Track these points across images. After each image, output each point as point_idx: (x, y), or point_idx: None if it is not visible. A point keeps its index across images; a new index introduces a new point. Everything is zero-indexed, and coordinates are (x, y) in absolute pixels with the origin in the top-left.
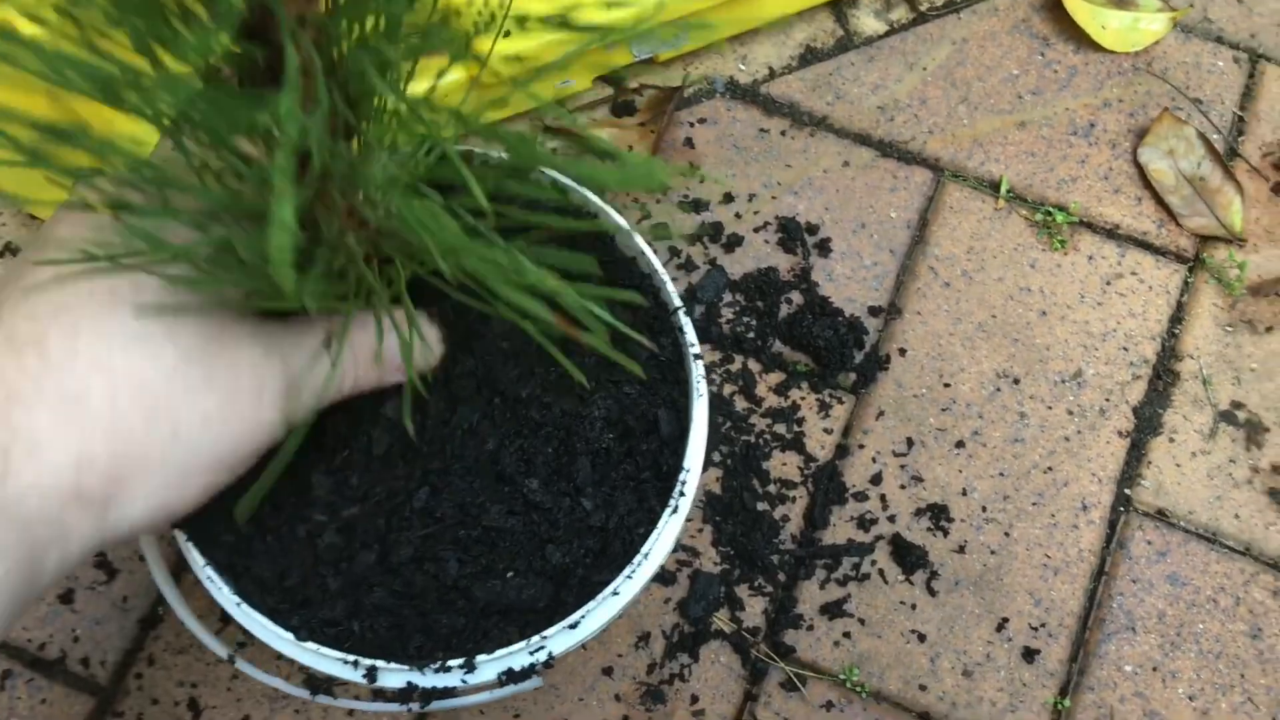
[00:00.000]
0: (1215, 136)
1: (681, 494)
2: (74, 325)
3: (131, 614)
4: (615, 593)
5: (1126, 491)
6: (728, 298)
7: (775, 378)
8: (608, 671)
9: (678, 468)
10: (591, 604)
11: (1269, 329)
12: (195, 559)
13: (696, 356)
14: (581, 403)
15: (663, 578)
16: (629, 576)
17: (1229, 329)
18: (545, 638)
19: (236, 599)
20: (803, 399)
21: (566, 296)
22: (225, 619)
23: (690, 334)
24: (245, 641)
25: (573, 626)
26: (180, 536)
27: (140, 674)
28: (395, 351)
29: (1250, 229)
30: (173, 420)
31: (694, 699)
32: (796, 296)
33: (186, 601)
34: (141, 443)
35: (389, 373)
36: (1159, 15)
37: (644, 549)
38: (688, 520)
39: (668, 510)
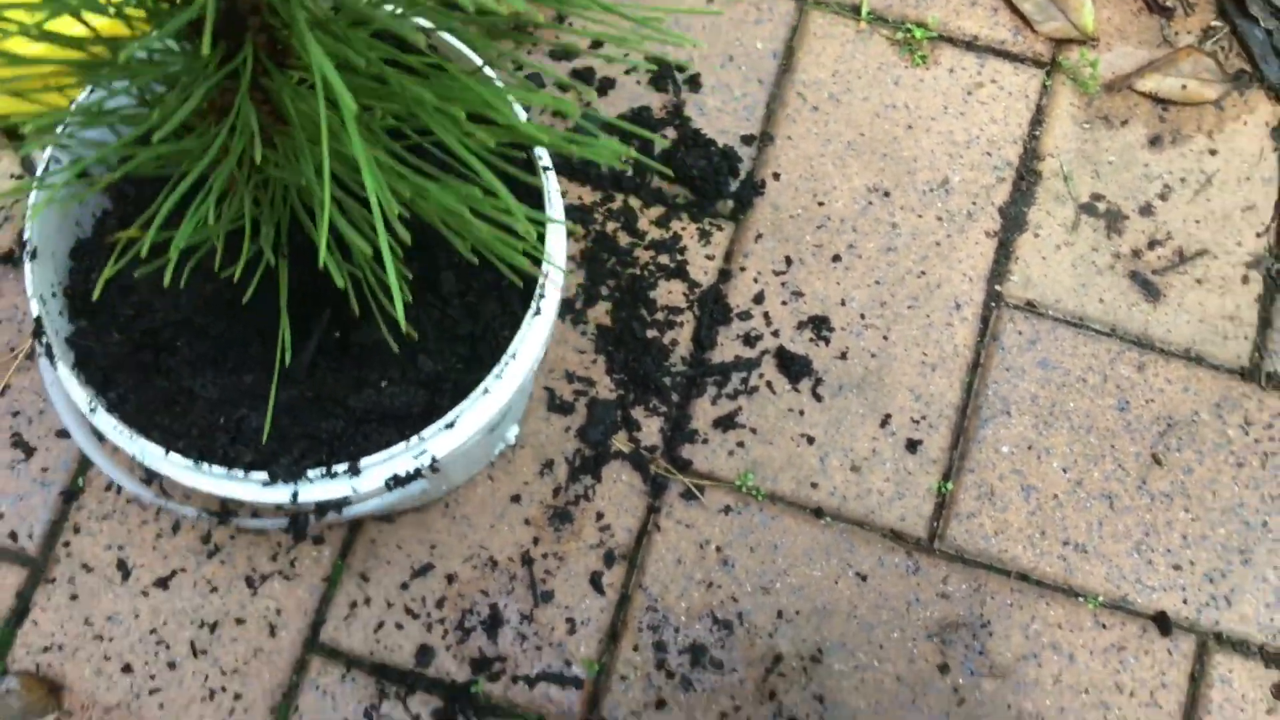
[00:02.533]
0: None
1: (543, 295)
2: None
3: (53, 487)
4: (486, 391)
5: (997, 288)
6: (604, 139)
7: (656, 211)
8: (515, 499)
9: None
10: (465, 403)
11: (1124, 122)
12: (103, 417)
13: (546, 169)
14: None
15: (561, 408)
16: (498, 376)
17: (1086, 126)
18: (424, 439)
19: (129, 429)
20: (683, 229)
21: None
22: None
23: (544, 159)
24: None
25: (449, 426)
26: (84, 389)
27: (68, 542)
28: None
29: (1103, 29)
30: None
31: (599, 515)
32: (670, 132)
33: (104, 456)
34: None
35: None
36: None
37: (510, 349)
38: (580, 352)
39: (530, 311)
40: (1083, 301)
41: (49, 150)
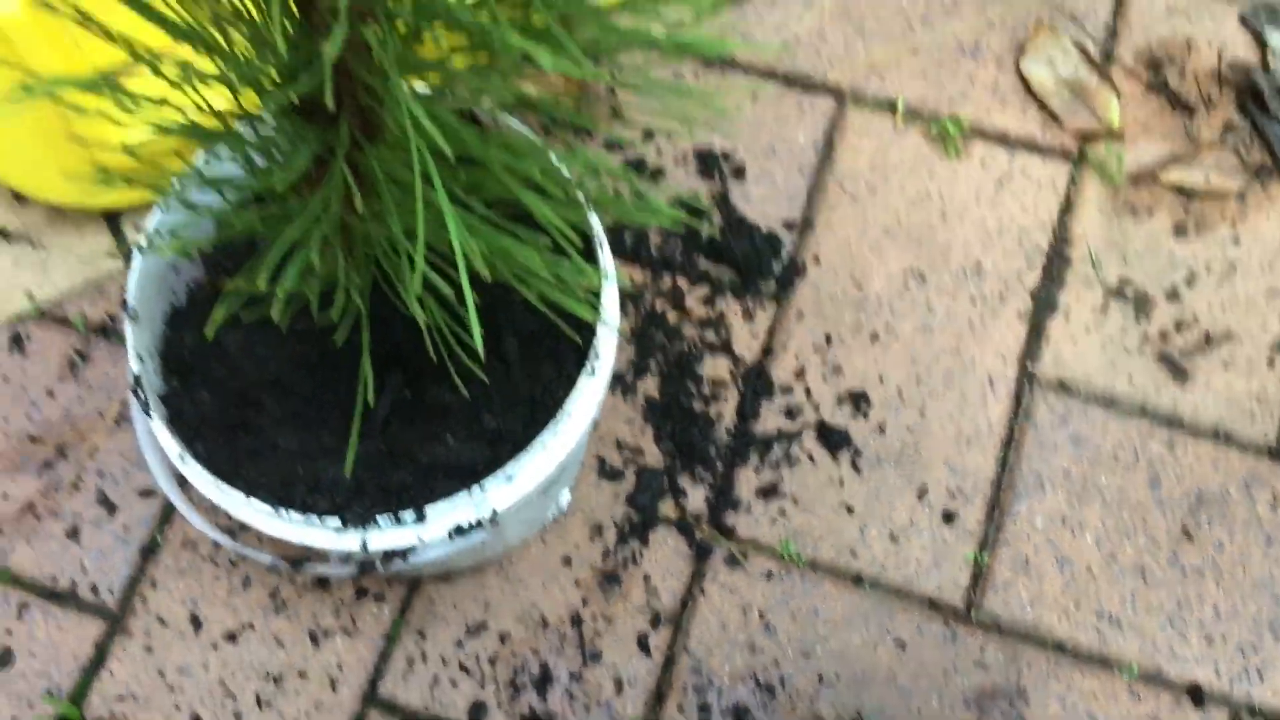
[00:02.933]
0: (1091, 45)
1: (596, 357)
2: None
3: (133, 544)
4: (544, 446)
5: (1029, 367)
6: (656, 201)
7: (702, 291)
8: (567, 561)
9: (592, 336)
10: (524, 457)
11: (1150, 212)
12: (191, 466)
13: (601, 243)
14: (506, 291)
15: (611, 474)
16: (554, 433)
17: (1113, 215)
18: (484, 489)
19: (214, 478)
20: (728, 308)
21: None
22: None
23: (598, 228)
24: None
25: (509, 479)
26: (172, 439)
27: (145, 596)
28: None
29: (1127, 124)
30: None
31: (647, 579)
32: (717, 217)
33: (188, 505)
34: None
35: None
36: None
37: (565, 408)
38: (629, 423)
39: (585, 373)
40: (1113, 381)
41: (154, 218)
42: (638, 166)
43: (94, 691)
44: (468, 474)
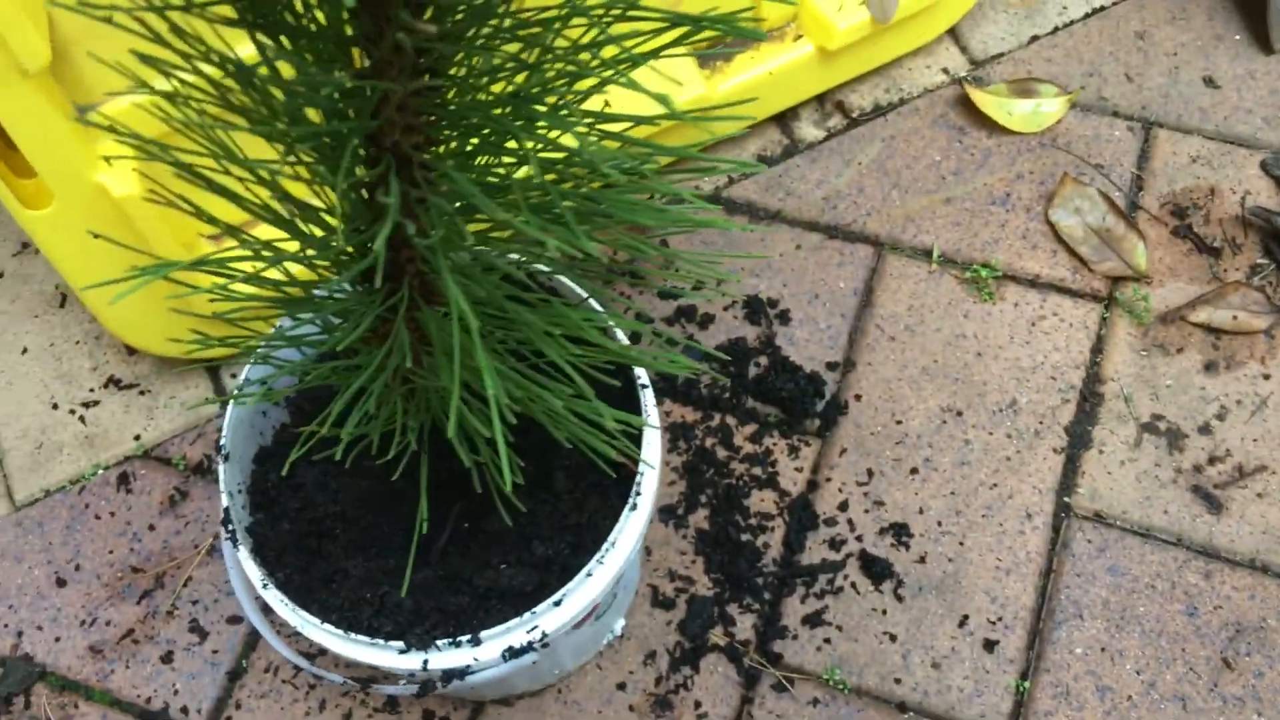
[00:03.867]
0: (1117, 194)
1: (638, 493)
2: None
3: (220, 667)
4: (589, 574)
5: (1065, 499)
6: (679, 356)
7: (749, 429)
8: (621, 686)
9: (634, 473)
10: (571, 584)
11: (1179, 350)
12: (272, 593)
13: (644, 386)
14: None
15: (663, 603)
16: (600, 561)
17: (1144, 353)
18: (535, 614)
19: (292, 604)
20: (774, 444)
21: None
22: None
23: (642, 374)
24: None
25: (557, 604)
26: (263, 581)
27: (229, 717)
28: None
29: (1155, 267)
30: None
31: (697, 704)
32: (763, 360)
33: (270, 630)
34: None
35: None
36: (1057, 99)
37: (610, 538)
38: (681, 554)
39: (627, 507)
40: (1148, 513)
41: (245, 371)
42: (689, 313)
43: None
44: (520, 598)
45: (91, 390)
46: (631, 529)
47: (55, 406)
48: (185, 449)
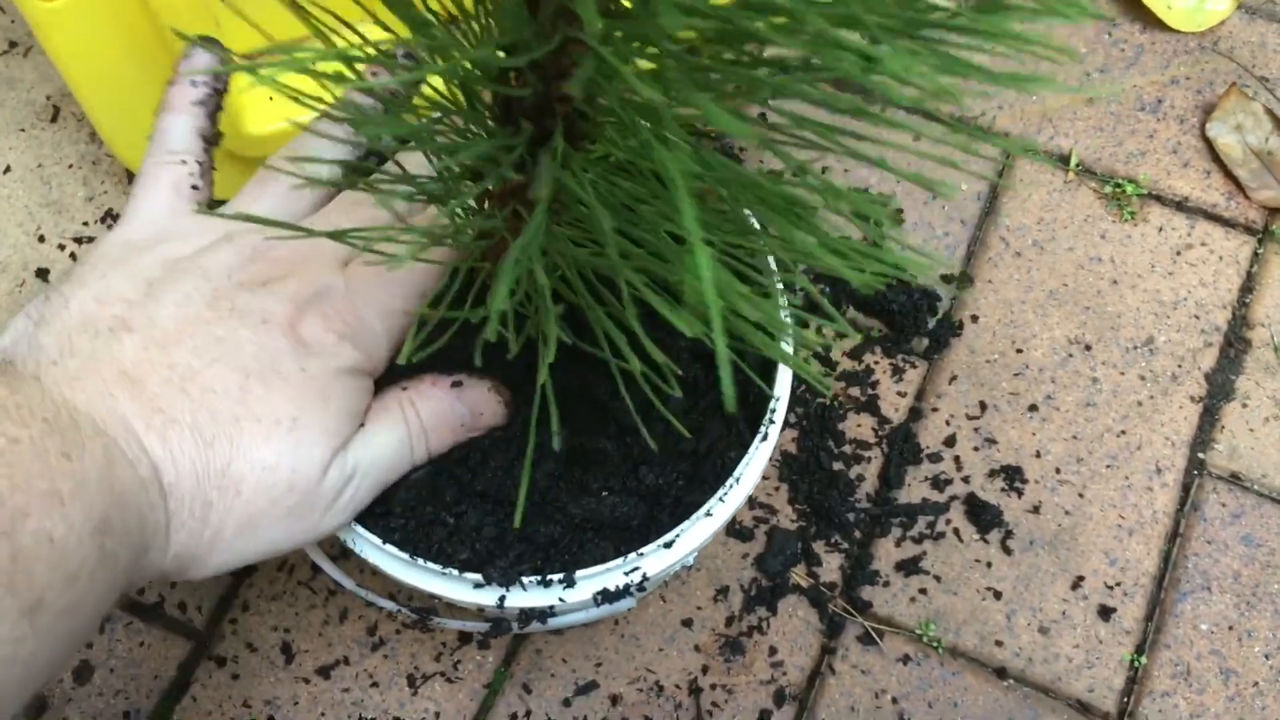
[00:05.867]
0: None
1: (771, 421)
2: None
3: None
4: (709, 513)
5: (1200, 455)
6: (803, 267)
7: (849, 343)
8: (687, 623)
9: (765, 396)
10: (686, 524)
11: None
12: None
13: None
14: (670, 336)
15: (740, 534)
16: (721, 499)
17: None
18: (642, 555)
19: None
20: (876, 363)
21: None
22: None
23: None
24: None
25: (667, 545)
26: None
27: (235, 619)
28: (465, 415)
29: None
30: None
31: (772, 650)
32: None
33: None
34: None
35: (463, 435)
36: None
37: (735, 473)
38: (764, 479)
39: (758, 437)
40: None
41: None
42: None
43: (175, 716)
44: (621, 531)
45: (85, 224)
46: (757, 463)
47: (42, 239)
48: None
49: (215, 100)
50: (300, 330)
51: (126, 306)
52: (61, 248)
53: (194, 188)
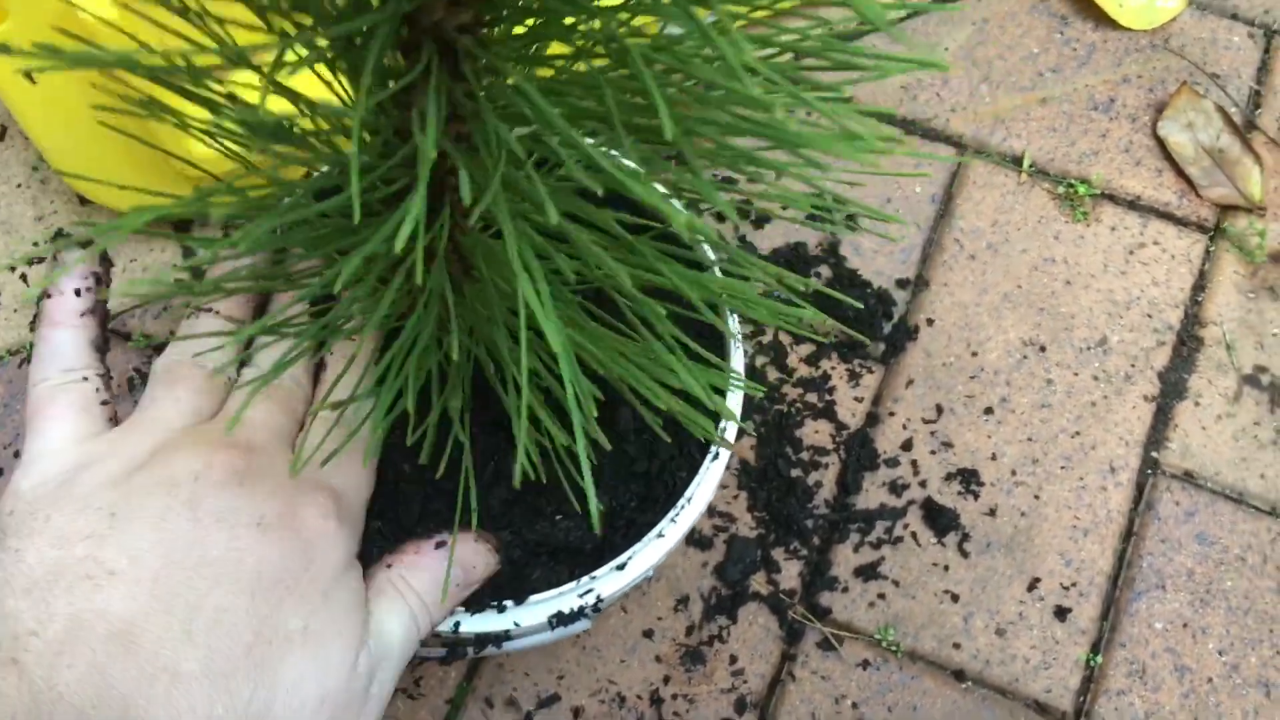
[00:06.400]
0: (1233, 110)
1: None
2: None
3: None
4: (660, 534)
5: (1153, 454)
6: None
7: (806, 349)
8: (648, 634)
9: (717, 415)
10: (638, 545)
11: None
12: None
13: (735, 336)
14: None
15: (700, 542)
16: (673, 520)
17: (1251, 296)
18: (595, 578)
19: None
20: (833, 369)
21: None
22: None
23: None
24: None
25: (620, 567)
26: None
27: None
28: (459, 575)
29: (1270, 198)
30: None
31: (733, 659)
32: (825, 270)
33: None
34: None
35: (462, 595)
36: None
37: (687, 493)
38: (723, 487)
39: (709, 456)
40: (1243, 476)
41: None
42: (743, 209)
43: None
44: (575, 554)
45: (35, 245)
46: (709, 483)
47: None
48: (149, 323)
49: (102, 307)
50: (298, 526)
51: (96, 544)
52: (12, 269)
53: (104, 403)
